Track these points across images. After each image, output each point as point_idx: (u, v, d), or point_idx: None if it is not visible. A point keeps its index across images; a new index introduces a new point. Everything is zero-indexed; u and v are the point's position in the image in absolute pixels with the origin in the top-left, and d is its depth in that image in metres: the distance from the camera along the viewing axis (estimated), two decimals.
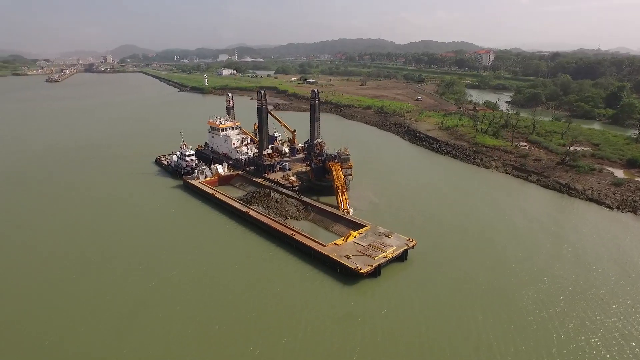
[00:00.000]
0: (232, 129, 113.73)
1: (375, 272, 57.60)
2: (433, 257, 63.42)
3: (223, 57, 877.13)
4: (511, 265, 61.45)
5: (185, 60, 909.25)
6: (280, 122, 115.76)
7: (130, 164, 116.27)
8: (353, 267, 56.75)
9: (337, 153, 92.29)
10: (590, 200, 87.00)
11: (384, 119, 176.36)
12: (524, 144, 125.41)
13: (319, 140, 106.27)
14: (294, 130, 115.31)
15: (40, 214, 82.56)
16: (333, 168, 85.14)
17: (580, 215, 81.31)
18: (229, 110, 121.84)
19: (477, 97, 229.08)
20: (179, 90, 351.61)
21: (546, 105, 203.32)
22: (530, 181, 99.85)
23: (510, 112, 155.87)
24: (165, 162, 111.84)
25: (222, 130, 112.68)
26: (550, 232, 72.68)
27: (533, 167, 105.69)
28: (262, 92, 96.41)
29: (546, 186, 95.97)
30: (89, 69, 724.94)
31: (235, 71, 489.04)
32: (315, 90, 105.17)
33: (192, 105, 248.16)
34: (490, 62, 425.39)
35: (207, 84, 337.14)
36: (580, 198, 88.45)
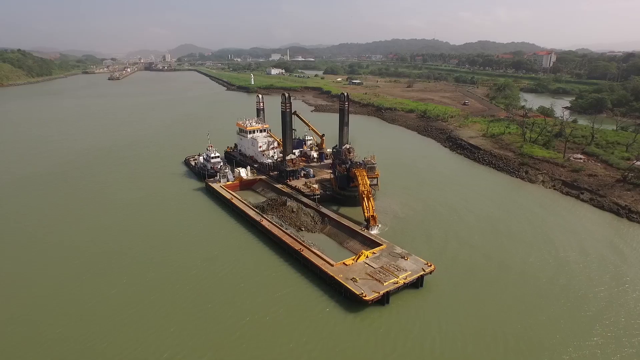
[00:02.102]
0: (260, 131, 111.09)
1: (383, 300, 51.64)
2: (454, 287, 56.08)
3: (275, 57, 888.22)
4: (552, 308, 51.86)
5: (239, 59, 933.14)
6: (309, 126, 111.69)
7: (160, 164, 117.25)
8: (357, 293, 51.12)
9: (363, 161, 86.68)
10: None
11: (426, 124, 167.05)
12: (580, 156, 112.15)
13: (347, 146, 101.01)
14: (323, 135, 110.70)
15: (62, 212, 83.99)
16: (358, 174, 79.72)
17: None
18: (259, 112, 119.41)
19: (533, 101, 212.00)
20: (226, 89, 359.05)
21: (612, 112, 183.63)
22: (582, 200, 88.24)
23: (564, 119, 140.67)
24: (193, 163, 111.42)
25: (250, 132, 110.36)
26: (604, 267, 61.72)
27: (587, 183, 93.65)
28: (287, 94, 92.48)
29: (601, 207, 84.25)
30: (149, 67, 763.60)
31: (283, 70, 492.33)
32: (345, 94, 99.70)
33: (234, 105, 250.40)
34: (551, 64, 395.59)
35: (253, 83, 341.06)
36: None
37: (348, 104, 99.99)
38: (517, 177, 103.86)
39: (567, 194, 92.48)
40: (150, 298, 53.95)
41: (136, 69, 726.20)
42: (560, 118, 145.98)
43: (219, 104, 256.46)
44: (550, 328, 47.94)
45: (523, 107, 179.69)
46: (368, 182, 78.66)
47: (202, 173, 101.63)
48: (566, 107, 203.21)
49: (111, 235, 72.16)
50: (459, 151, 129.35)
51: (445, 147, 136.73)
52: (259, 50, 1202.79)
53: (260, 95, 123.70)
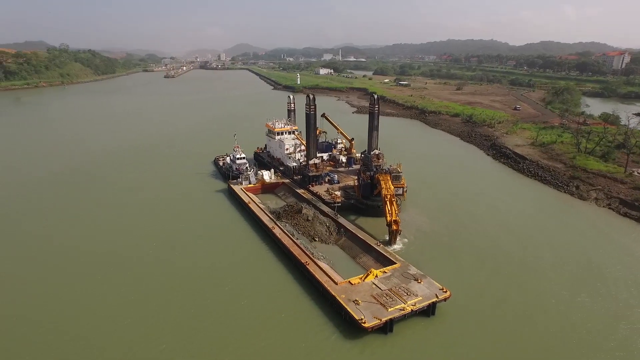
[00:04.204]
0: (289, 133, 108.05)
1: (386, 328, 46.32)
2: (472, 319, 49.31)
3: (327, 57, 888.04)
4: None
5: (291, 59, 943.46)
6: (338, 129, 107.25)
7: (191, 163, 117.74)
8: (357, 318, 46.21)
9: (389, 169, 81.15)
10: None
11: (470, 129, 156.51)
12: None
13: (377, 151, 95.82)
14: (352, 139, 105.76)
15: (72, 212, 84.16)
16: (382, 179, 74.40)
17: None
18: (290, 113, 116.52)
19: (596, 107, 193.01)
20: (272, 88, 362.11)
21: None
22: None
23: (630, 127, 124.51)
24: (221, 163, 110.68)
25: (278, 134, 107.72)
26: None
27: None
28: (311, 96, 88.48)
29: None
30: (204, 65, 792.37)
31: (332, 70, 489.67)
32: (375, 96, 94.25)
33: (277, 104, 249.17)
34: (623, 65, 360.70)
35: (299, 82, 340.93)
36: None
37: (378, 107, 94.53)
38: (565, 192, 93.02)
39: (625, 214, 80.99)
40: (151, 303, 52.49)
41: (191, 67, 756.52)
42: (625, 126, 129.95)
43: (261, 104, 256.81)
44: None
45: (583, 112, 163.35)
46: (392, 187, 73.16)
47: (227, 174, 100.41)
48: (636, 114, 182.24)
49: (120, 236, 71.54)
50: (502, 160, 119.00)
51: (488, 155, 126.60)
52: (311, 50, 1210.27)
53: (291, 96, 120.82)
